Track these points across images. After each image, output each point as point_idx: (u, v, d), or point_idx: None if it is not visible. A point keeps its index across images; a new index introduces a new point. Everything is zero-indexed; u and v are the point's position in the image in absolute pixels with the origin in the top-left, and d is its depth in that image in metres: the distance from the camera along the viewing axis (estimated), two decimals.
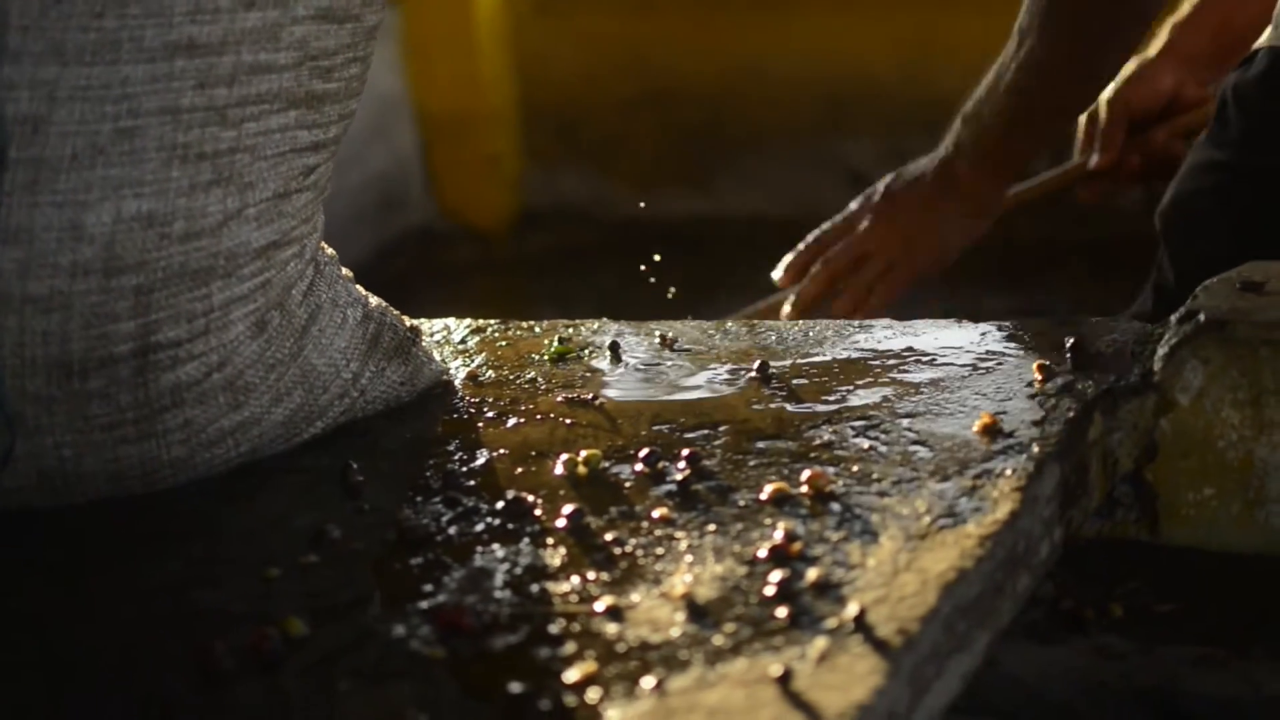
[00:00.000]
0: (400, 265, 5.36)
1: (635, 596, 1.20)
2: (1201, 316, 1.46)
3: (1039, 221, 5.38)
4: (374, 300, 1.62)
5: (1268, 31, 2.02)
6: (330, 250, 1.60)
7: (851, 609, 1.14)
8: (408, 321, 1.65)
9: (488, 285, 5.55)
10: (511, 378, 1.67)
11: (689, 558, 1.25)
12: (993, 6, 5.50)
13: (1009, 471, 1.34)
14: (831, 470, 1.37)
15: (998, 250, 5.20)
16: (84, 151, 1.35)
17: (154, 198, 1.38)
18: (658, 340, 1.73)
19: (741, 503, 1.33)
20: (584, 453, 1.43)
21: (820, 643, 1.11)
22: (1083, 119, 2.38)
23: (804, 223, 4.59)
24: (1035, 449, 1.37)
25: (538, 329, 1.81)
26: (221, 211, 1.42)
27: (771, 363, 1.62)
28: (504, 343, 1.77)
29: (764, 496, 1.33)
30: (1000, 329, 1.66)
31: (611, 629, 1.16)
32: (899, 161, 3.22)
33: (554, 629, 1.17)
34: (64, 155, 1.35)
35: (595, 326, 1.80)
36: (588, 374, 1.66)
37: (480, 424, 1.56)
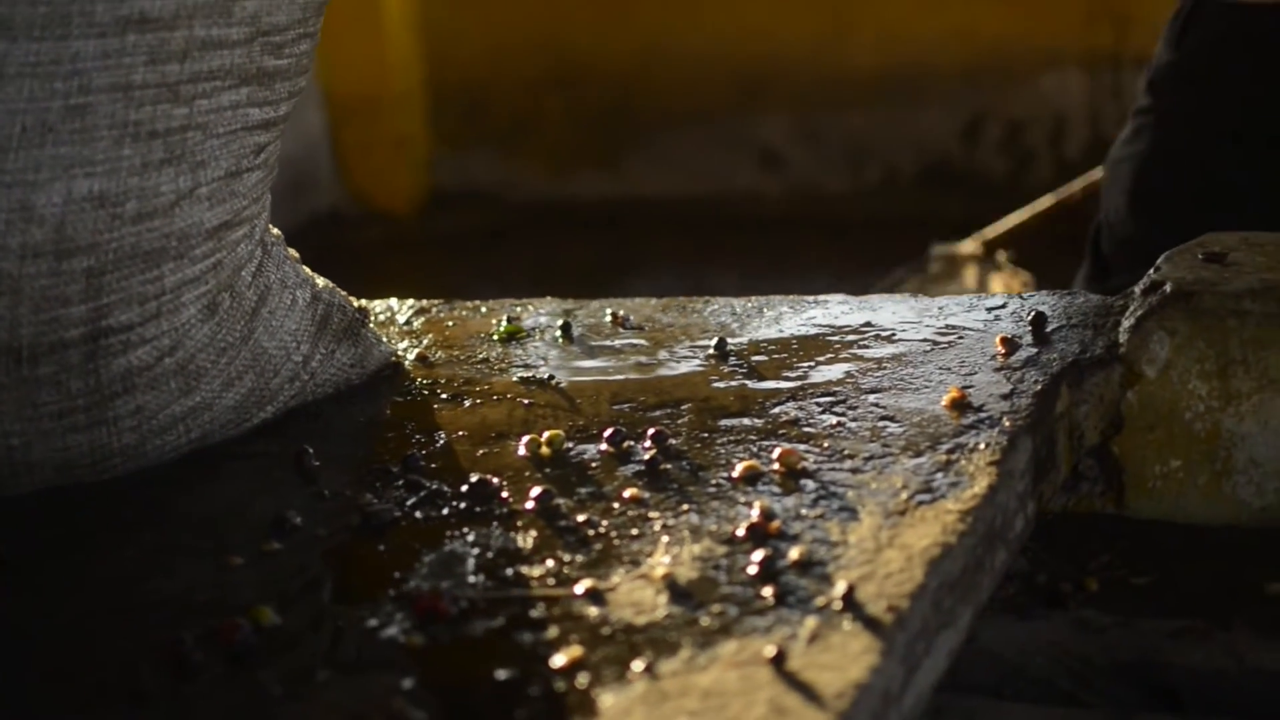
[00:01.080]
0: (310, 248, 5.31)
1: (615, 578, 1.17)
2: (1168, 287, 1.45)
3: (972, 201, 5.43)
4: (321, 281, 1.59)
5: None
6: (276, 230, 1.56)
7: (840, 587, 1.12)
8: (356, 303, 1.62)
9: (399, 266, 5.51)
10: (463, 358, 1.64)
11: (666, 538, 1.23)
12: None
13: (982, 446, 1.32)
14: (802, 447, 1.35)
15: None
16: (33, 129, 1.31)
17: (105, 177, 1.34)
18: (608, 318, 1.70)
19: (713, 481, 1.31)
20: (546, 433, 1.41)
21: (811, 622, 1.09)
22: None
23: (715, 201, 4.57)
24: (1006, 422, 1.36)
25: (484, 309, 1.78)
26: (174, 191, 1.38)
27: (729, 339, 1.60)
28: (451, 323, 1.74)
29: (736, 475, 1.31)
30: (957, 303, 1.64)
31: (594, 612, 1.13)
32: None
33: (534, 613, 1.14)
34: (12, 134, 1.31)
35: (543, 305, 1.77)
36: (541, 353, 1.64)
37: (435, 405, 1.53)
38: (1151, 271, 1.50)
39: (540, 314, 1.74)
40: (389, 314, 1.79)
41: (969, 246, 4.04)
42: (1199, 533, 1.44)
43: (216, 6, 1.39)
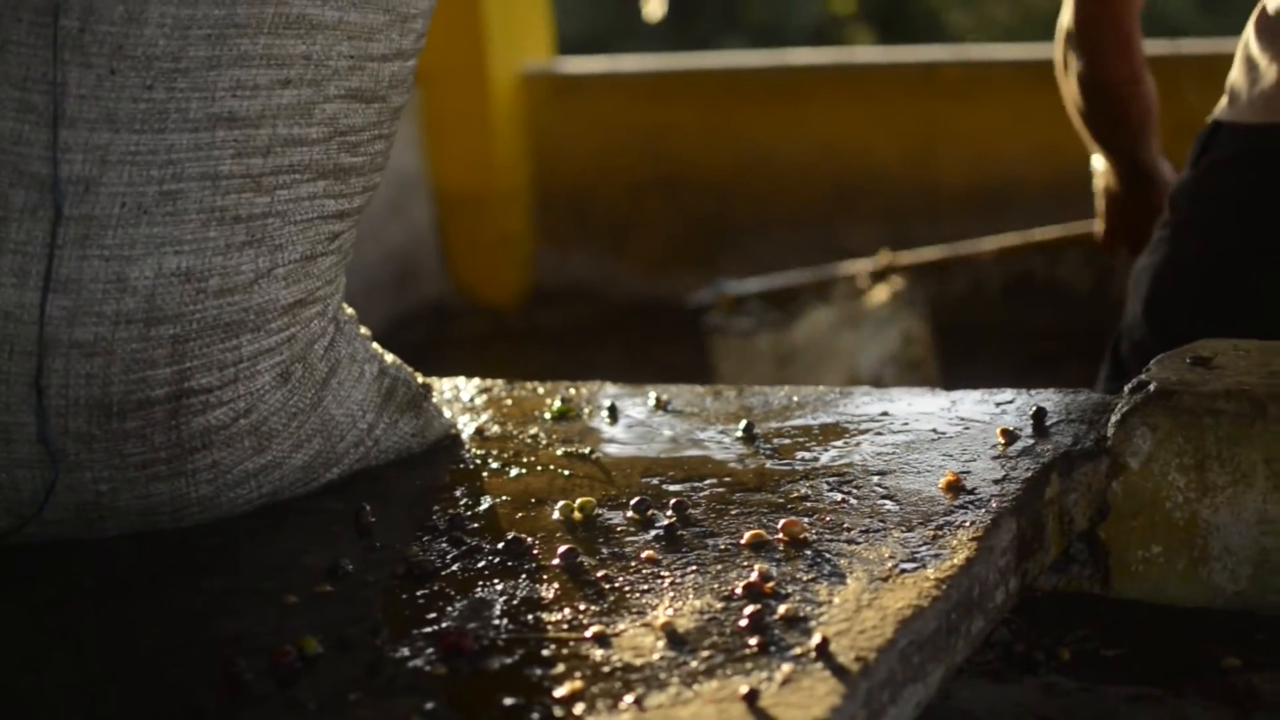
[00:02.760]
0: (414, 337, 5.50)
1: (621, 625, 1.32)
2: (1151, 386, 1.58)
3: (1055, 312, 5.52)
4: (389, 357, 1.75)
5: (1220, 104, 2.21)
6: (350, 310, 1.72)
7: (815, 638, 1.25)
8: (420, 379, 1.78)
9: (498, 358, 5.68)
10: (515, 433, 1.79)
11: (671, 593, 1.37)
12: (990, 99, 5.66)
13: (968, 523, 1.46)
14: (806, 520, 1.49)
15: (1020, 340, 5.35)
16: (130, 211, 1.48)
17: (193, 255, 1.51)
18: (652, 402, 1.85)
19: (722, 546, 1.45)
20: (579, 500, 1.55)
21: (786, 667, 1.23)
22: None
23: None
24: (993, 504, 1.49)
25: (541, 389, 1.93)
26: (253, 270, 1.55)
27: (757, 424, 1.75)
28: (509, 401, 1.90)
29: (743, 541, 1.45)
30: (970, 398, 1.78)
31: (598, 653, 1.27)
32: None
33: (546, 652, 1.28)
34: (112, 213, 1.48)
35: (595, 388, 1.92)
36: (586, 431, 1.79)
37: (485, 474, 1.68)
38: (1143, 373, 1.63)
39: (590, 396, 1.90)
40: (454, 391, 1.95)
41: (870, 263, 4.18)
42: (1176, 613, 1.56)
43: (299, 108, 1.55)
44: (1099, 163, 2.78)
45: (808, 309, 4.23)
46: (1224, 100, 2.27)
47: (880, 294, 4.14)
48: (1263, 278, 2.13)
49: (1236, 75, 2.26)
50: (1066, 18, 2.53)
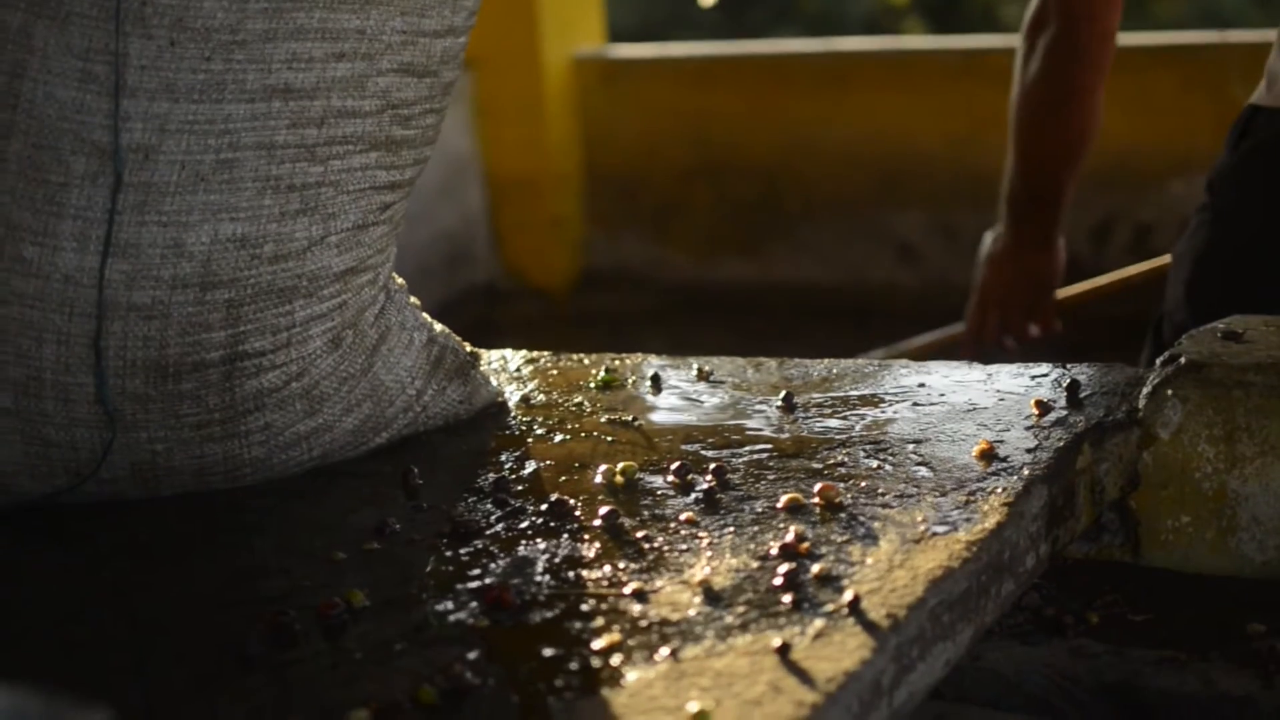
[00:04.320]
0: (465, 319, 5.54)
1: (659, 583, 1.36)
2: (1182, 359, 1.61)
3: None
4: (438, 326, 1.79)
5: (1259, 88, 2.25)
6: (400, 280, 1.77)
7: (847, 595, 1.29)
8: (468, 347, 1.82)
9: (548, 341, 5.69)
10: (561, 401, 1.84)
11: (709, 553, 1.41)
12: None
13: (1000, 490, 1.49)
14: (842, 485, 1.53)
15: None
16: (188, 178, 1.53)
17: (248, 222, 1.56)
18: (695, 373, 1.89)
19: (759, 509, 1.49)
20: (621, 464, 1.60)
21: (818, 623, 1.26)
22: None
23: (852, 290, 4.73)
24: (1025, 472, 1.52)
25: (586, 360, 1.98)
26: (307, 238, 1.59)
27: (796, 395, 1.79)
28: (555, 372, 1.94)
29: (779, 505, 1.49)
30: (1007, 371, 1.81)
31: (636, 609, 1.31)
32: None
33: (585, 607, 1.32)
34: (170, 181, 1.53)
35: (639, 359, 1.97)
36: (630, 399, 1.83)
37: (530, 439, 1.72)
38: (1175, 345, 1.66)
39: (635, 366, 1.94)
40: (502, 361, 1.99)
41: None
42: (1203, 581, 1.60)
43: (352, 81, 1.60)
44: (990, 233, 2.79)
45: None
46: (1262, 85, 2.31)
47: None
48: None
49: (1274, 61, 2.29)
50: (1050, 36, 2.55)
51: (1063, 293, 2.84)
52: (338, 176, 1.61)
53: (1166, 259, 2.91)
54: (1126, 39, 5.68)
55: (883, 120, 5.69)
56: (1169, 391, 1.61)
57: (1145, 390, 1.63)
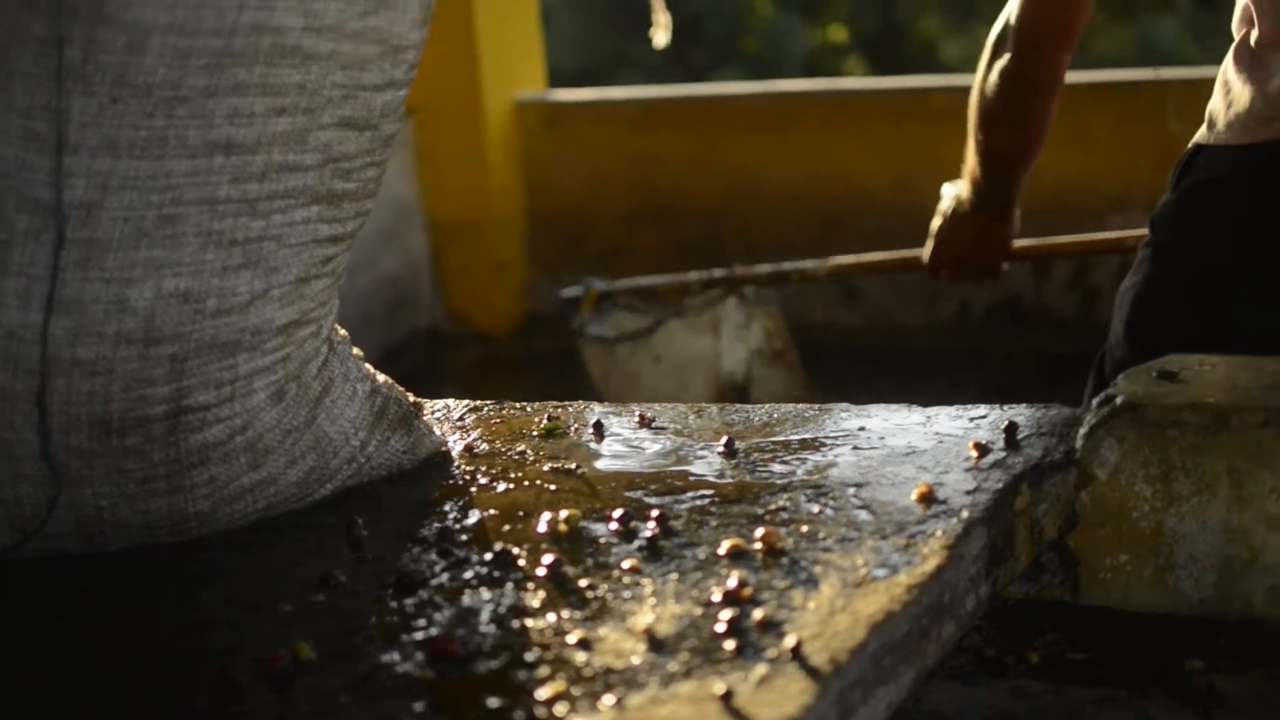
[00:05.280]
0: (409, 364, 5.55)
1: (603, 631, 1.37)
2: (1118, 400, 1.63)
3: (1040, 336, 5.58)
4: (381, 377, 1.80)
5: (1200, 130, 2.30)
6: (343, 331, 1.78)
7: (790, 641, 1.30)
8: (411, 398, 1.83)
9: (491, 385, 5.72)
10: (504, 450, 1.85)
11: (652, 600, 1.42)
12: None
13: (939, 532, 1.51)
14: (783, 530, 1.54)
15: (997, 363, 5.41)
16: (130, 234, 1.54)
17: (190, 277, 1.57)
18: (637, 420, 1.91)
19: (701, 556, 1.50)
20: (565, 513, 1.61)
21: (761, 669, 1.28)
22: None
23: (794, 330, 4.75)
24: (964, 514, 1.54)
25: (529, 409, 1.99)
26: (249, 292, 1.60)
27: (737, 440, 1.80)
28: (498, 420, 1.95)
29: (722, 551, 1.50)
30: (946, 414, 1.83)
31: (580, 657, 1.32)
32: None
33: (530, 657, 1.33)
34: (113, 237, 1.54)
35: (582, 407, 1.98)
36: (573, 447, 1.84)
37: (474, 489, 1.73)
38: (1111, 386, 1.68)
39: (577, 414, 1.95)
40: (445, 411, 2.00)
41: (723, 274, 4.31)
42: (1142, 619, 1.62)
43: (293, 136, 1.61)
44: (951, 188, 2.99)
45: (663, 324, 4.36)
46: (1204, 126, 2.34)
47: (730, 302, 4.32)
48: (1242, 296, 2.19)
49: (1215, 102, 2.33)
50: (1014, 11, 2.66)
51: (1016, 243, 3.11)
52: (279, 230, 1.62)
53: (1114, 235, 3.21)
54: (1068, 78, 5.74)
55: (824, 161, 5.72)
56: (1105, 432, 1.63)
57: (1082, 431, 1.65)
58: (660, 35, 3.01)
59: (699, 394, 4.26)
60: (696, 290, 4.37)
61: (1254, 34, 2.27)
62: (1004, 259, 3.11)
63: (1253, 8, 2.28)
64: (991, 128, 2.83)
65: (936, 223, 3.12)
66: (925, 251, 3.19)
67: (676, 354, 4.36)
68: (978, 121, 2.85)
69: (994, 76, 2.75)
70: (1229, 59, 2.33)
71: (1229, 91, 2.30)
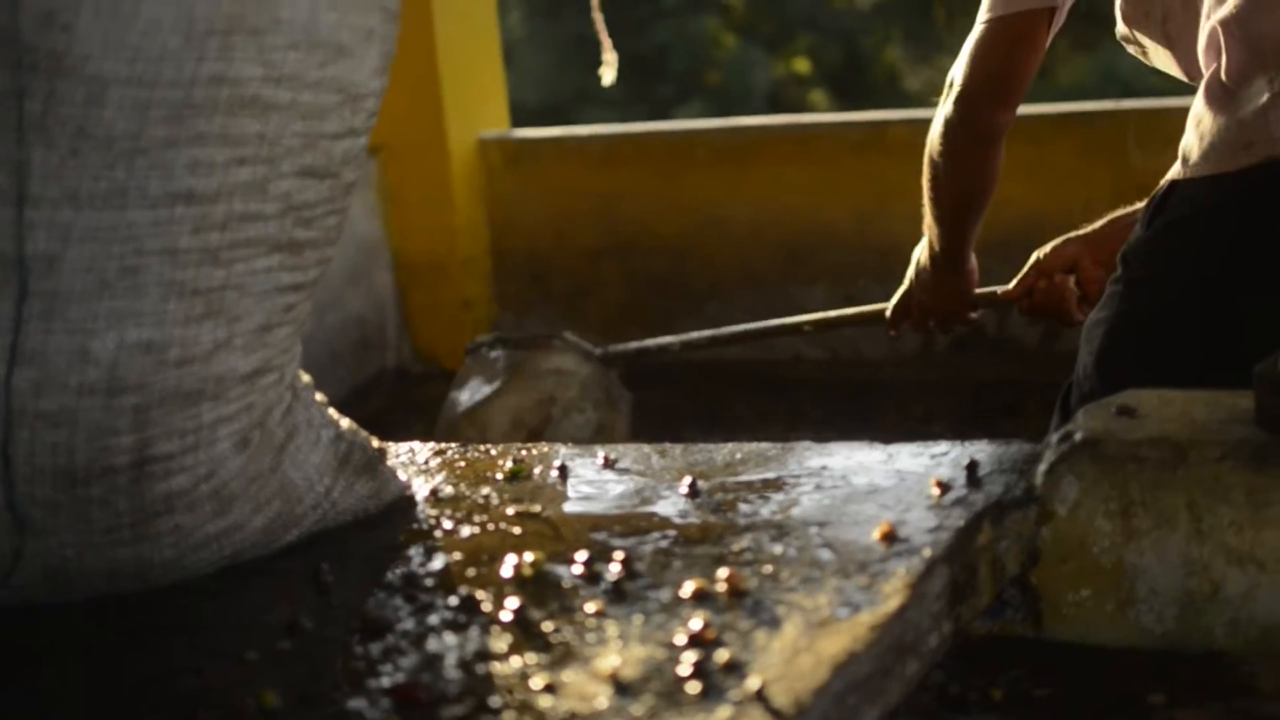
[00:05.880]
0: (376, 403, 5.55)
1: (568, 675, 1.38)
2: (1077, 436, 1.65)
3: (1003, 366, 5.60)
4: (345, 422, 1.81)
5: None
6: (306, 377, 1.78)
7: (753, 682, 1.31)
8: (375, 443, 1.84)
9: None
10: (468, 493, 1.85)
11: (617, 643, 1.43)
12: None
13: (902, 570, 1.52)
14: (747, 571, 1.55)
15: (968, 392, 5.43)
16: (93, 286, 1.54)
17: (153, 327, 1.57)
18: (601, 461, 1.92)
19: (666, 598, 1.51)
20: (529, 556, 1.61)
21: (725, 711, 1.28)
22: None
23: (760, 364, 4.77)
24: (927, 551, 1.55)
25: (494, 451, 1.99)
26: (212, 341, 1.61)
27: (701, 480, 1.81)
28: (463, 463, 1.96)
29: (686, 593, 1.51)
30: (907, 451, 1.85)
31: (546, 702, 1.33)
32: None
33: (495, 702, 1.34)
34: (75, 289, 1.54)
35: (546, 449, 1.99)
36: (538, 490, 1.85)
37: (438, 533, 1.74)
38: (1069, 423, 1.70)
39: (543, 457, 1.96)
40: (410, 454, 2.01)
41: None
42: (1105, 653, 1.63)
43: (254, 185, 1.62)
44: (921, 246, 3.08)
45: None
46: (1177, 163, 2.36)
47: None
48: (1209, 331, 2.22)
49: (1188, 137, 2.35)
50: (960, 64, 2.69)
51: (977, 291, 3.16)
52: (241, 279, 1.62)
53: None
54: (1026, 109, 5.77)
55: (788, 195, 5.74)
56: (1065, 468, 1.64)
57: (1042, 467, 1.66)
58: (608, 73, 3.04)
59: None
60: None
61: (1223, 66, 2.30)
62: (964, 309, 3.15)
63: (1221, 39, 2.30)
64: (937, 179, 2.87)
65: (909, 275, 3.17)
66: (890, 305, 3.25)
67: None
68: (927, 173, 2.90)
69: (938, 127, 2.80)
70: (1200, 94, 2.35)
71: (1200, 124, 2.33)
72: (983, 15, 2.68)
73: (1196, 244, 2.29)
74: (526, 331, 4.94)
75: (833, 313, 3.74)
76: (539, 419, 4.26)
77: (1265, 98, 2.25)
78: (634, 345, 4.51)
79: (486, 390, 4.29)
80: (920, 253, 3.14)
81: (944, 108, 2.78)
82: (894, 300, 3.22)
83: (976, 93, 2.69)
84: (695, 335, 4.37)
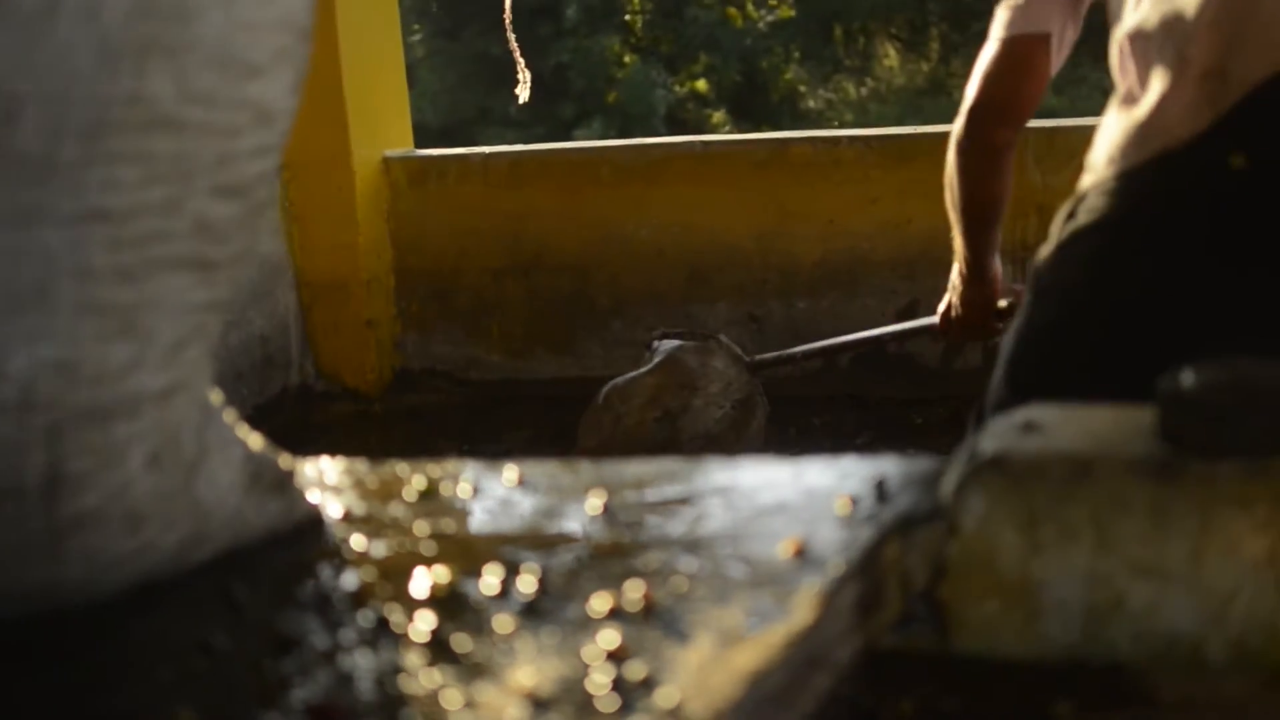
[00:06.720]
0: (280, 422, 5.54)
1: (482, 692, 1.38)
2: (983, 453, 1.67)
3: (906, 383, 5.65)
4: (256, 441, 1.81)
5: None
6: (217, 395, 1.78)
7: (667, 697, 1.33)
8: (286, 461, 1.84)
9: (363, 442, 5.72)
10: (380, 511, 1.86)
11: (531, 660, 1.44)
12: (839, 176, 5.81)
13: (811, 586, 1.54)
14: (659, 586, 1.56)
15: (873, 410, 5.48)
16: (5, 305, 1.54)
17: (66, 346, 1.57)
18: (512, 477, 1.92)
19: (579, 614, 1.52)
20: (441, 573, 1.62)
21: None
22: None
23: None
24: (835, 567, 1.57)
25: (403, 468, 2.00)
26: (125, 359, 1.61)
27: (612, 496, 1.82)
28: (373, 481, 1.97)
29: (599, 609, 1.52)
30: (815, 466, 1.86)
31: (461, 718, 1.34)
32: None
33: (410, 718, 1.35)
34: None
35: (456, 466, 1.99)
36: (448, 507, 1.85)
37: (350, 550, 1.74)
38: (976, 439, 1.72)
39: (453, 474, 1.96)
40: (320, 472, 2.01)
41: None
42: (1012, 665, 1.65)
43: (167, 204, 1.62)
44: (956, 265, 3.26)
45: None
46: (1085, 176, 2.42)
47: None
48: (1110, 334, 2.26)
49: (1095, 148, 2.41)
50: (968, 92, 2.82)
51: (1002, 303, 3.37)
52: (154, 298, 1.62)
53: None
54: (927, 129, 5.85)
55: (690, 214, 5.78)
56: (971, 483, 1.66)
57: (949, 483, 1.68)
58: (523, 91, 3.07)
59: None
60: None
61: (1129, 76, 2.36)
62: (989, 317, 3.34)
63: (1126, 50, 2.36)
64: (952, 192, 3.02)
65: (949, 291, 3.46)
66: (937, 316, 3.53)
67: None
68: (946, 187, 3.06)
69: (951, 143, 2.95)
70: (1111, 111, 2.42)
71: (1106, 131, 2.39)
72: (991, 36, 2.80)
73: (1096, 248, 2.35)
74: (688, 327, 5.23)
75: (905, 325, 4.20)
76: (678, 403, 4.52)
77: (1160, 94, 2.31)
78: (771, 355, 4.93)
79: (637, 371, 4.64)
80: (953, 274, 3.34)
81: (955, 124, 2.90)
82: (939, 311, 3.45)
83: (978, 110, 2.81)
84: (811, 346, 4.89)
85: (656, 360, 4.77)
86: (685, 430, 4.81)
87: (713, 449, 4.81)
